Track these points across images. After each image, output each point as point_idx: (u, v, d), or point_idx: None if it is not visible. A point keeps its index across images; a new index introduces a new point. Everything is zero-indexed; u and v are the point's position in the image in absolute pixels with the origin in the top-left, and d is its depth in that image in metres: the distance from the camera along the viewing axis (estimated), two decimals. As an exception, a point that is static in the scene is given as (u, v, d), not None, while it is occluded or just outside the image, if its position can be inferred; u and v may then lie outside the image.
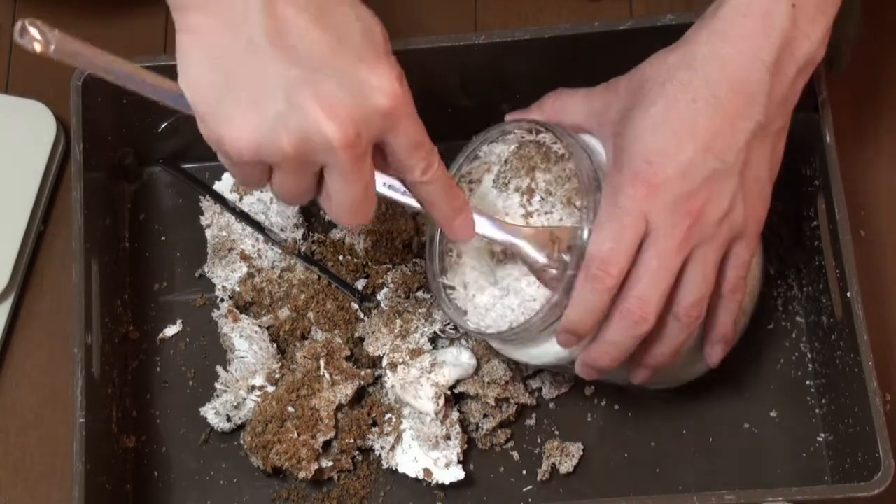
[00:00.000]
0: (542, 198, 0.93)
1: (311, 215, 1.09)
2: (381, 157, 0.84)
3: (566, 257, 0.90)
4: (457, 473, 1.00)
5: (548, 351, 0.93)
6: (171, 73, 0.82)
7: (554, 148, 0.93)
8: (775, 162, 0.90)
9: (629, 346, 0.89)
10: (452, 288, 0.96)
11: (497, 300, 0.94)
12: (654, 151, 0.87)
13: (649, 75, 0.89)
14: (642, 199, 0.86)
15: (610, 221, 0.87)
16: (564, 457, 1.01)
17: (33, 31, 0.74)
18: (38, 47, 0.75)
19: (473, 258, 0.95)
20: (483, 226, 0.90)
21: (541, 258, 0.90)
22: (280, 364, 1.02)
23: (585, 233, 0.88)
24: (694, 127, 0.86)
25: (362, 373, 1.02)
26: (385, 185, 0.87)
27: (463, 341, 1.03)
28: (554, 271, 0.90)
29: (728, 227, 0.88)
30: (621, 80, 0.92)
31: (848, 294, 0.94)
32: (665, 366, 0.93)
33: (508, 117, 0.98)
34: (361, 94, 0.79)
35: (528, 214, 0.93)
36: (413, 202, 0.88)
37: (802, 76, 0.89)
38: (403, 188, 0.87)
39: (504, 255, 0.94)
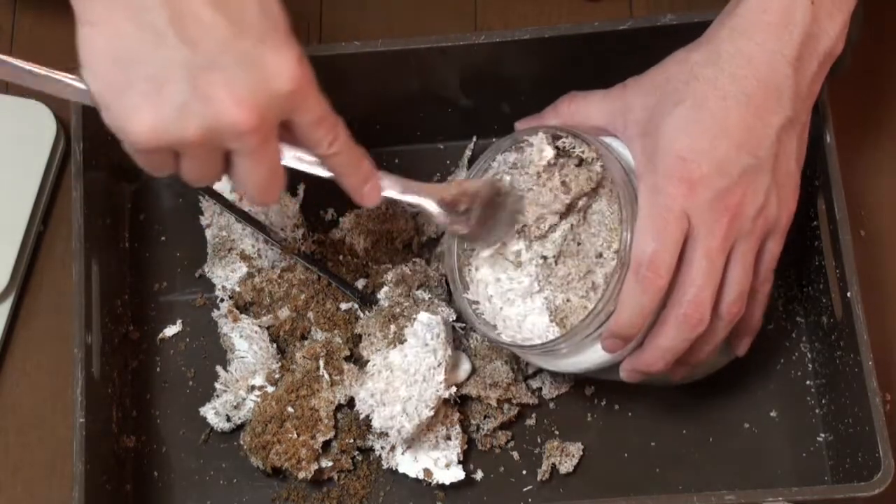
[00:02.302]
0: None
1: (311, 215, 1.09)
2: (287, 131, 0.84)
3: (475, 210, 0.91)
4: (457, 473, 1.00)
5: (589, 357, 0.93)
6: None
7: (574, 153, 0.93)
8: (801, 155, 0.91)
9: (683, 349, 0.90)
10: (477, 302, 0.95)
11: (528, 310, 0.94)
12: (688, 149, 0.87)
13: (673, 73, 0.90)
14: (683, 198, 0.87)
15: (653, 222, 0.87)
16: (564, 457, 1.01)
17: None
18: None
19: (492, 269, 0.95)
20: (390, 188, 0.90)
21: (444, 217, 0.91)
22: (280, 364, 1.02)
23: (628, 236, 0.88)
24: (726, 124, 0.87)
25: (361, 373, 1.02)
26: (295, 157, 0.87)
27: (463, 342, 1.03)
28: (461, 226, 0.92)
29: (763, 222, 0.89)
30: (641, 78, 0.92)
31: (848, 294, 0.94)
32: (704, 361, 0.94)
33: (519, 125, 0.97)
34: (265, 78, 0.79)
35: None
36: (322, 171, 0.88)
37: (822, 70, 0.90)
38: (312, 158, 0.87)
39: (520, 259, 0.94)
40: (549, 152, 0.92)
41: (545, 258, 0.93)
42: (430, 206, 0.91)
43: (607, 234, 0.91)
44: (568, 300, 0.92)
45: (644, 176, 0.89)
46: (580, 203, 0.93)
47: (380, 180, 0.89)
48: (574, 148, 0.92)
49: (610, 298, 0.89)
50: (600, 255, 0.91)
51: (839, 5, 0.89)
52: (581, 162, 0.92)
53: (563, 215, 0.93)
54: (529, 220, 0.93)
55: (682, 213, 0.87)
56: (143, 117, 0.79)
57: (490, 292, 0.95)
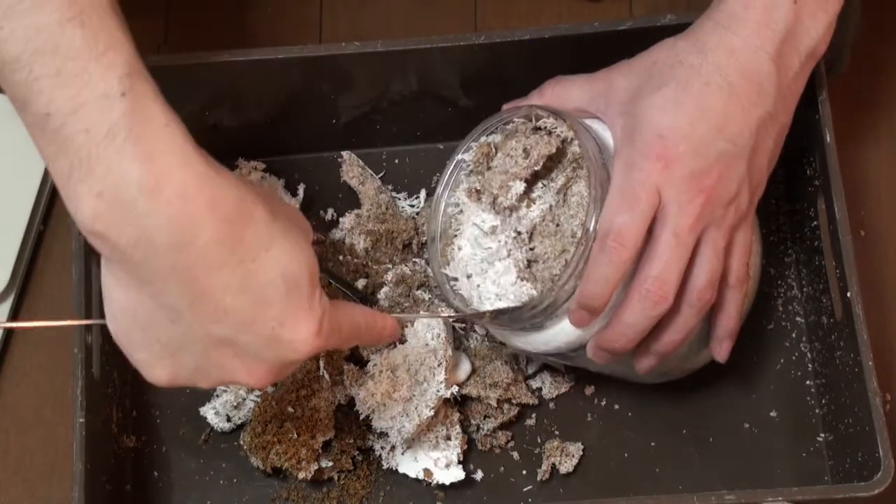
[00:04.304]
0: (544, 184, 0.94)
1: (311, 215, 1.09)
2: None
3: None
4: (457, 473, 1.00)
5: (557, 336, 0.93)
6: (169, 72, 0.82)
7: (556, 132, 0.93)
8: (775, 155, 0.91)
9: (646, 327, 0.89)
10: (455, 279, 0.96)
11: (498, 274, 0.94)
12: (667, 127, 0.87)
13: (658, 57, 0.90)
14: (657, 173, 0.87)
15: (623, 194, 0.87)
16: (564, 457, 1.01)
17: None
18: None
19: (472, 248, 0.95)
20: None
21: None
22: (280, 364, 1.02)
23: (595, 212, 0.88)
24: (706, 108, 0.87)
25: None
26: None
27: (463, 342, 1.03)
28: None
29: (734, 211, 0.89)
30: (626, 62, 0.93)
31: (848, 294, 0.94)
32: (672, 353, 0.93)
33: (506, 107, 0.98)
34: (279, 352, 0.79)
35: (531, 200, 0.94)
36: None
37: (805, 71, 0.90)
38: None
39: (495, 234, 0.95)
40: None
41: (519, 233, 0.94)
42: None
43: (584, 215, 0.91)
44: (542, 262, 0.92)
45: (621, 151, 0.89)
46: (559, 182, 0.93)
47: (395, 325, 0.90)
48: (555, 128, 0.93)
49: (574, 271, 0.89)
50: (574, 235, 0.91)
51: (824, 6, 0.89)
52: (550, 134, 0.93)
53: (531, 183, 0.94)
54: (494, 189, 0.93)
55: (654, 188, 0.87)
56: (157, 372, 0.80)
57: (469, 270, 0.95)
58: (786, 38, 0.88)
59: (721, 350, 0.95)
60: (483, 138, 0.96)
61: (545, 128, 0.93)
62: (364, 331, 0.86)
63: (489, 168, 0.95)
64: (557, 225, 0.93)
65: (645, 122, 0.88)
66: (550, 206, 0.94)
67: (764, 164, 0.90)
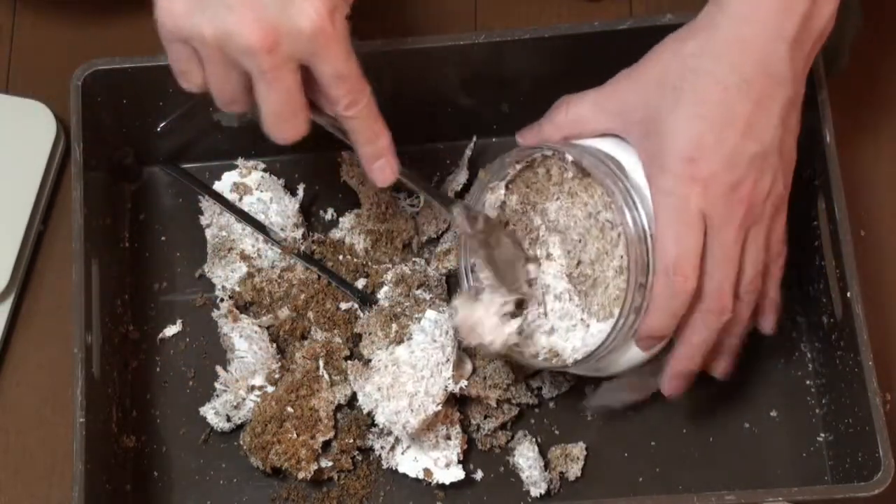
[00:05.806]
0: (531, 238, 0.97)
1: (311, 215, 1.09)
2: (312, 88, 0.87)
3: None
4: (457, 473, 1.00)
5: (635, 355, 0.94)
6: (170, 72, 0.83)
7: (494, 199, 0.96)
8: (798, 128, 0.91)
9: (713, 340, 0.92)
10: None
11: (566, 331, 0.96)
12: (695, 147, 0.87)
13: (669, 67, 0.89)
14: (697, 197, 0.87)
15: (671, 227, 0.88)
16: (570, 462, 1.01)
17: None
18: None
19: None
20: (405, 175, 0.93)
21: (467, 228, 0.96)
22: (280, 364, 1.02)
23: (649, 241, 0.90)
24: (730, 115, 0.87)
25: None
26: (316, 110, 0.89)
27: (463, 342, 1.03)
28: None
29: (772, 203, 0.90)
30: (634, 73, 0.92)
31: (848, 294, 0.94)
32: (738, 348, 0.95)
33: (520, 138, 0.98)
34: (288, 10, 0.82)
35: (549, 255, 0.97)
36: (340, 133, 0.90)
37: (815, 48, 0.90)
38: (331, 115, 0.90)
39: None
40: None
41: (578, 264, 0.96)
42: (447, 204, 0.96)
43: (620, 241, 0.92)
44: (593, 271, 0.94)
45: (654, 178, 0.89)
46: (538, 223, 0.96)
47: (395, 163, 0.90)
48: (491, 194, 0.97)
49: (631, 304, 0.90)
50: (602, 230, 0.93)
51: None
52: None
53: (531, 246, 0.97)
54: (526, 245, 0.97)
55: (698, 212, 0.87)
56: (174, 3, 0.83)
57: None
58: (803, 21, 0.88)
59: (767, 324, 0.97)
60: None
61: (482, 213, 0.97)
62: (363, 117, 0.88)
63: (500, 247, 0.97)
64: (580, 240, 0.95)
65: (670, 144, 0.88)
66: (557, 241, 0.96)
67: (792, 143, 0.91)
